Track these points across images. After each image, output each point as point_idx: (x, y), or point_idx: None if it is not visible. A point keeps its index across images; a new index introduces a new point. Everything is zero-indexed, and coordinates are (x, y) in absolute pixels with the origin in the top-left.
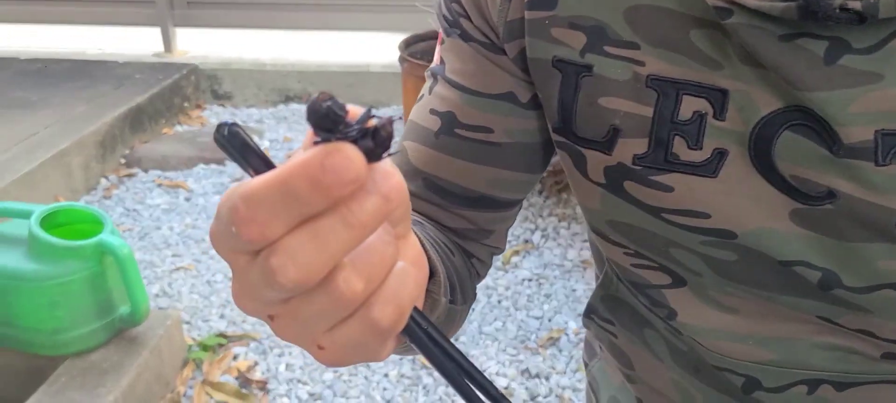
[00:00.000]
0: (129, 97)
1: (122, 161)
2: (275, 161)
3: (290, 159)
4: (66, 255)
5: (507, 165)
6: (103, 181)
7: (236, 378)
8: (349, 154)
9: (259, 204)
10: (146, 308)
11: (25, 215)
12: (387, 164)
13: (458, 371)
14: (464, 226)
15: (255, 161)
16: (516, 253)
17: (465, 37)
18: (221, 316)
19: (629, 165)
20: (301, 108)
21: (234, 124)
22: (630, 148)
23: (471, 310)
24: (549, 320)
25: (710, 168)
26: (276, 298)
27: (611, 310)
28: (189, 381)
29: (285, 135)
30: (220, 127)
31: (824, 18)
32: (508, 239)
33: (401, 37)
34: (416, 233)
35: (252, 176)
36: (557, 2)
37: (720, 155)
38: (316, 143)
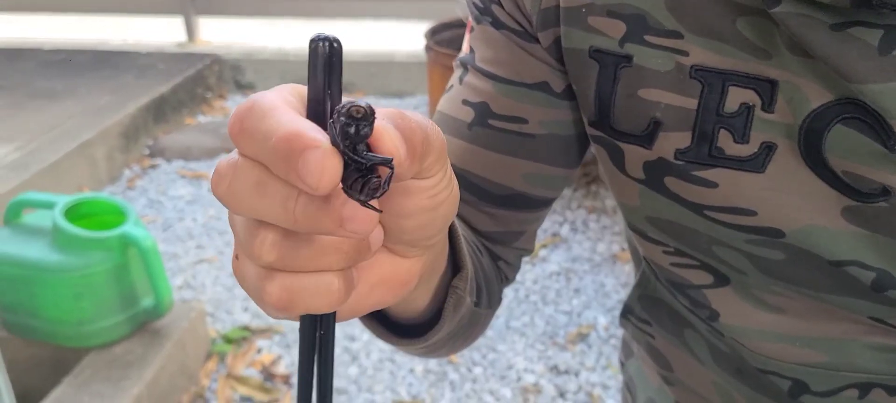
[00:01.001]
0: (152, 87)
1: (146, 151)
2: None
3: (295, 114)
4: (91, 246)
5: (542, 158)
6: (126, 172)
7: (260, 372)
8: (324, 164)
9: (253, 115)
10: (170, 300)
11: (50, 206)
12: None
13: (311, 388)
14: (493, 228)
15: (320, 88)
16: (544, 246)
17: (496, 24)
18: (245, 309)
19: (670, 160)
20: None
21: (338, 41)
22: (672, 142)
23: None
24: (578, 315)
25: (758, 163)
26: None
27: (648, 311)
28: (213, 374)
29: None
30: (318, 37)
31: (879, 6)
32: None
33: (426, 25)
34: (453, 232)
35: (315, 94)
36: None
37: (768, 149)
38: (329, 129)
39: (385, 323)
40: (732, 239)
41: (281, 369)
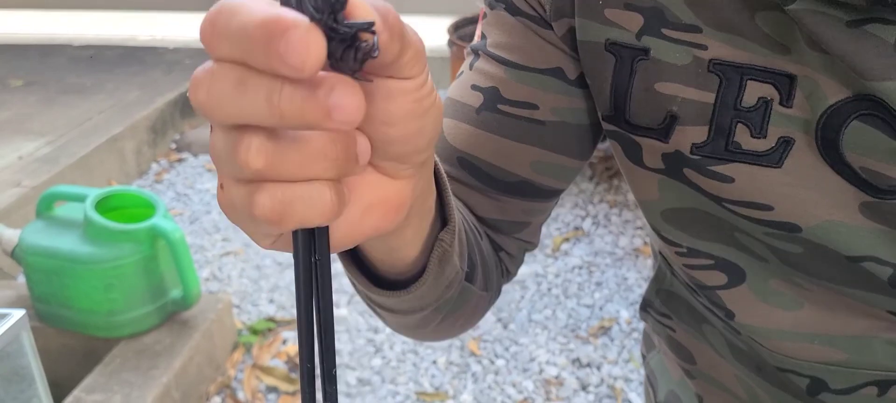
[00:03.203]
0: (179, 82)
1: (173, 146)
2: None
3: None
4: (121, 238)
5: (551, 146)
6: (154, 165)
7: (285, 363)
8: (308, 40)
9: (223, 14)
10: (197, 291)
11: (81, 198)
12: (352, 88)
13: (311, 313)
14: (497, 216)
15: None
16: (566, 240)
17: (511, 9)
18: (271, 301)
19: (687, 154)
20: None
21: None
22: (688, 136)
23: (520, 298)
24: (600, 308)
25: (775, 157)
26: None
27: (667, 304)
28: (239, 365)
29: None
30: None
31: (894, 4)
32: (559, 225)
33: (450, 20)
34: (441, 184)
35: None
36: None
37: (786, 143)
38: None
39: (372, 280)
40: (752, 230)
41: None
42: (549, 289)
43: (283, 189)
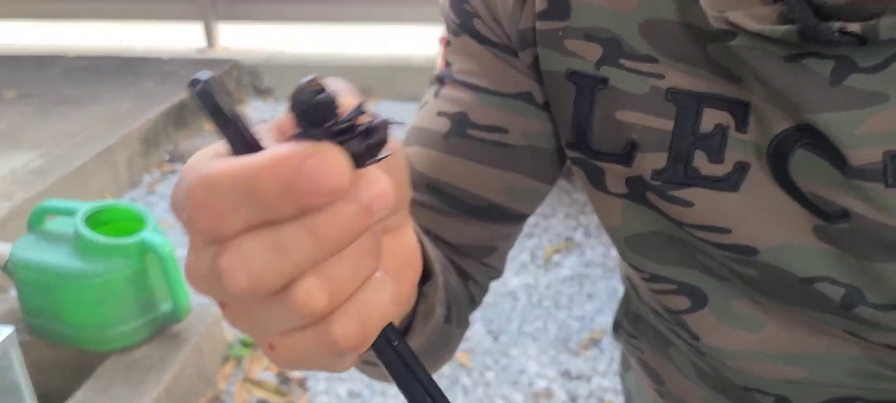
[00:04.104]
0: (172, 93)
1: (166, 157)
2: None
3: (262, 148)
4: (111, 253)
5: (521, 170)
6: (147, 177)
7: (276, 376)
8: (334, 160)
9: (218, 193)
10: (187, 305)
11: (71, 213)
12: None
13: (425, 395)
14: (466, 241)
15: (229, 130)
16: (558, 251)
17: (477, 38)
18: None
19: (648, 180)
20: None
21: (210, 79)
22: (649, 162)
23: (511, 309)
24: (591, 320)
25: (732, 182)
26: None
27: (635, 327)
28: (230, 378)
29: None
30: (192, 81)
31: (824, 42)
32: (550, 236)
33: (442, 29)
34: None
35: (228, 144)
36: (570, 13)
37: (742, 168)
38: (295, 136)
39: None
40: (713, 252)
41: (296, 373)
42: (541, 301)
43: (353, 307)
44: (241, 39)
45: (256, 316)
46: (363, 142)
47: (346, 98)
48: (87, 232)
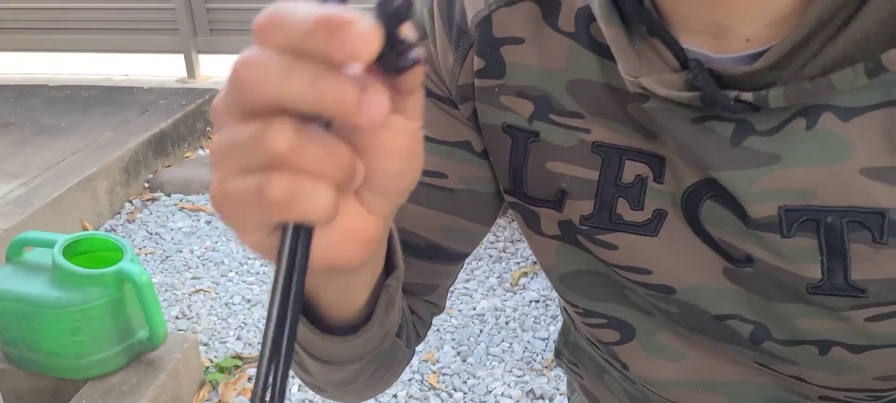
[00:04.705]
0: (153, 123)
1: (146, 185)
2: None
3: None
4: (88, 283)
5: (459, 213)
6: (127, 205)
7: (251, 399)
8: (371, 33)
9: (277, 12)
10: (164, 332)
11: (50, 244)
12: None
13: (280, 329)
14: (409, 279)
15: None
16: (524, 274)
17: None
18: (238, 338)
19: (577, 224)
20: None
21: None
22: (577, 209)
23: (479, 332)
24: (556, 341)
25: (651, 227)
26: (231, 101)
27: (574, 354)
28: (205, 402)
29: None
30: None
31: (724, 107)
32: (518, 260)
33: None
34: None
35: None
36: (505, 72)
37: (660, 215)
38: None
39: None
40: (637, 290)
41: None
42: (507, 322)
43: (297, 178)
44: (222, 70)
45: (225, 142)
46: (393, 56)
47: (411, 29)
48: (65, 263)
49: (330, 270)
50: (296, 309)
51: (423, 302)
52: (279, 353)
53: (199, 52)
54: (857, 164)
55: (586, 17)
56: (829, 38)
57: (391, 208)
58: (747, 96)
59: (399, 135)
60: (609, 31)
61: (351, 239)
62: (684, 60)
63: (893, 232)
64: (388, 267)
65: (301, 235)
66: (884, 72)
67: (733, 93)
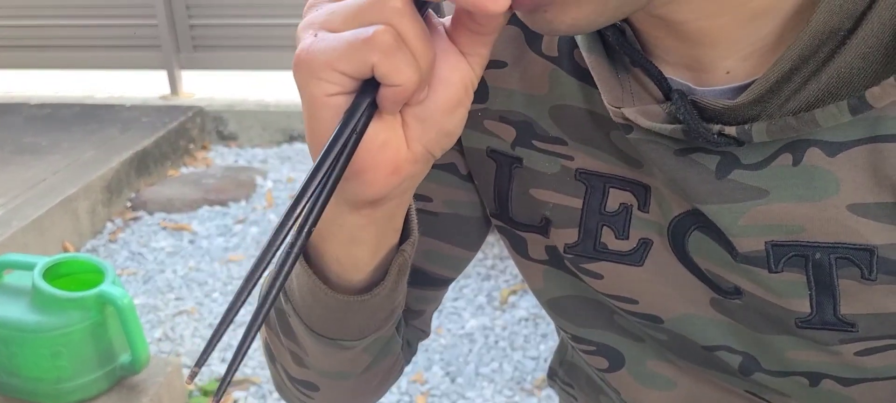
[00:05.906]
0: (135, 141)
1: (128, 204)
2: (277, 201)
3: None
4: (68, 306)
5: (444, 237)
6: (109, 225)
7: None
8: None
9: None
10: (146, 356)
11: (30, 267)
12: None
13: (327, 176)
14: None
15: None
16: (513, 292)
17: None
18: (223, 360)
19: (561, 253)
20: (305, 148)
21: None
22: (561, 237)
23: (469, 351)
24: (545, 360)
25: (636, 257)
26: None
27: (569, 374)
28: None
29: (289, 176)
30: None
31: (705, 142)
32: (506, 278)
33: None
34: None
35: None
36: (488, 96)
37: (645, 244)
38: None
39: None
40: (627, 316)
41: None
42: (497, 342)
43: (398, 39)
44: (205, 87)
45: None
46: None
47: None
48: (45, 286)
49: (352, 189)
50: (342, 167)
51: (410, 327)
52: (323, 186)
53: (181, 68)
54: (844, 200)
55: (570, 41)
56: (812, 72)
57: (426, 151)
58: (730, 131)
59: (457, 72)
60: (592, 60)
61: (383, 158)
62: (668, 91)
63: (882, 268)
64: (403, 238)
65: (364, 114)
66: (868, 108)
67: (716, 127)
